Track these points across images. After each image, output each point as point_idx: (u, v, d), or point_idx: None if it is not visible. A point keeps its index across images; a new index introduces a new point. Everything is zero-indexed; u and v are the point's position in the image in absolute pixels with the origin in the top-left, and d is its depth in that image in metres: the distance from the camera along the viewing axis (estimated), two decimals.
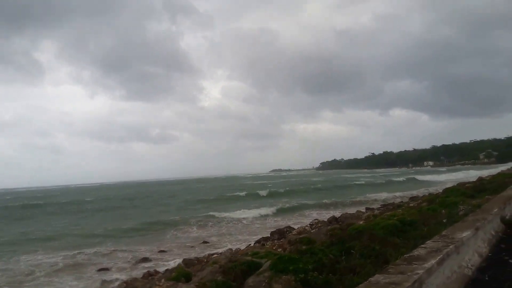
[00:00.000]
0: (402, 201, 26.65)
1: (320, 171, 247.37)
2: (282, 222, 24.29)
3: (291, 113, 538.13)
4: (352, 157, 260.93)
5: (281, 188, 58.58)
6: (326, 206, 32.51)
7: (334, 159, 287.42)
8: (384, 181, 67.02)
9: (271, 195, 49.42)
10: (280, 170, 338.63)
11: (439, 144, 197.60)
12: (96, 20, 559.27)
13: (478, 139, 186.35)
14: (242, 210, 31.04)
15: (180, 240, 20.61)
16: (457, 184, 26.27)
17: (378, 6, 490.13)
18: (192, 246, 18.22)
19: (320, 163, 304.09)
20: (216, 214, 29.32)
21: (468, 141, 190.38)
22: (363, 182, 67.05)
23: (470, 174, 62.74)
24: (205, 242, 19.03)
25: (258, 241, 15.84)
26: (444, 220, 7.94)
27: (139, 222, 27.50)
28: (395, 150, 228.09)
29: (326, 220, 19.61)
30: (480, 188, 15.59)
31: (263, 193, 51.14)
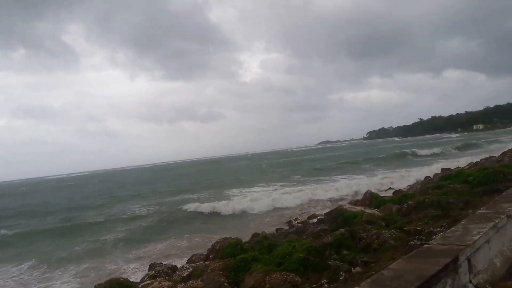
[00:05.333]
0: None
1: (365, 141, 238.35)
2: None
3: (337, 81, 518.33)
4: (401, 124, 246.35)
5: None
6: None
7: (382, 127, 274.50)
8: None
9: None
10: (327, 142, 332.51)
11: (493, 105, 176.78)
12: None
13: None
14: None
15: None
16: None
17: None
18: None
19: (367, 132, 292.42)
20: None
21: None
22: None
23: None
24: None
25: None
26: None
27: None
28: (448, 114, 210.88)
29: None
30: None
31: None
